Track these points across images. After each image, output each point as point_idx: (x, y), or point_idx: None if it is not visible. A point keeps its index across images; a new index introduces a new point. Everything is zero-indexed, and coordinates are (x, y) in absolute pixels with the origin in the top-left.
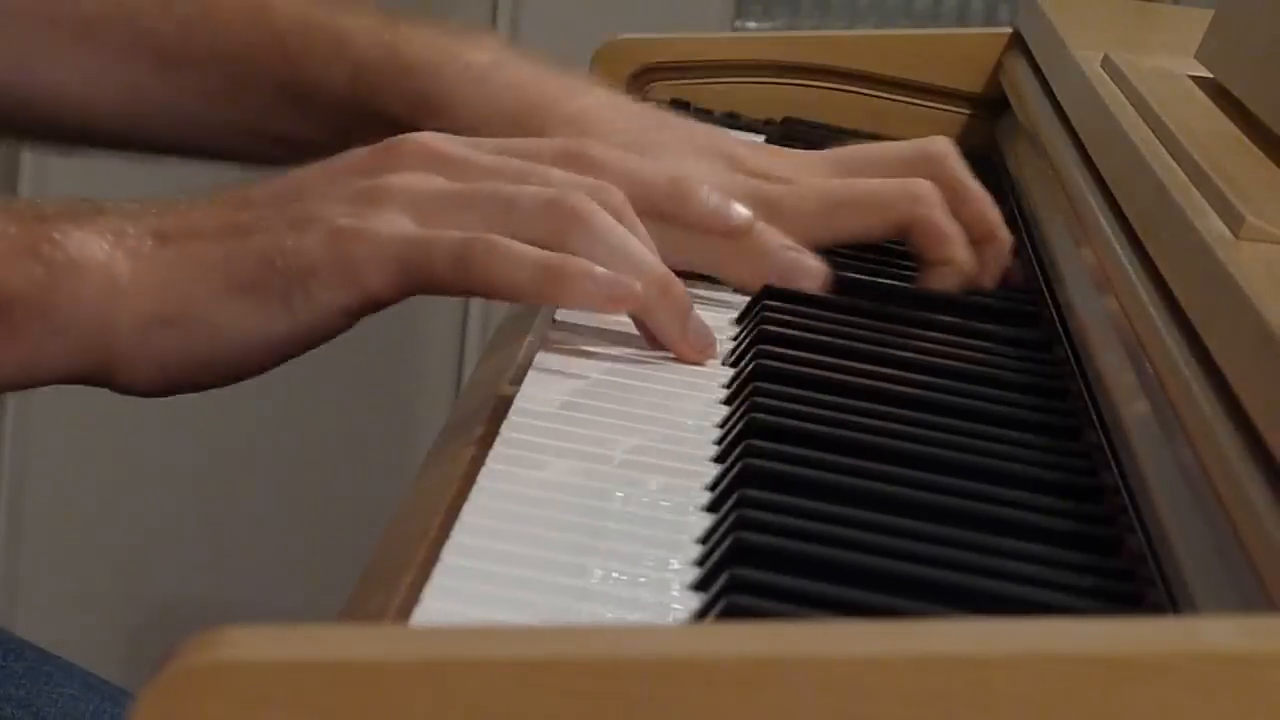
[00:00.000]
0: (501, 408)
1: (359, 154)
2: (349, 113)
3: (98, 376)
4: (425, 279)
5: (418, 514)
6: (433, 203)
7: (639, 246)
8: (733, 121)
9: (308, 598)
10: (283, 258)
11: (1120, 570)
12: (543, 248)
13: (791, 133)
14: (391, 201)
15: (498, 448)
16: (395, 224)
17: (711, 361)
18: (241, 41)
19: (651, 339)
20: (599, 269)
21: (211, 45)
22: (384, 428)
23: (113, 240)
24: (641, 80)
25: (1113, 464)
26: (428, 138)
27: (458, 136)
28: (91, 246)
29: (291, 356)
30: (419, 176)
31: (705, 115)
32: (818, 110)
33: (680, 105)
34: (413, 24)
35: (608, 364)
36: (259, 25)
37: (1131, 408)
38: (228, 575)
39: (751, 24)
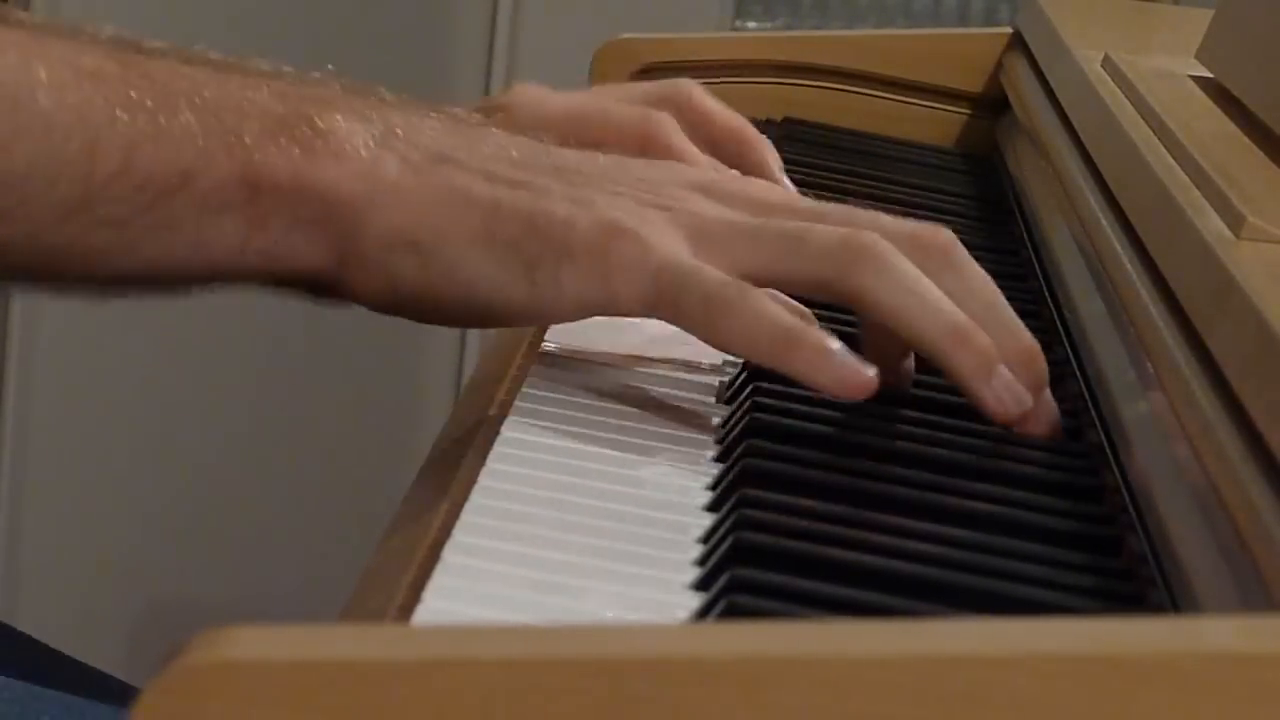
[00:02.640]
0: (502, 408)
1: (657, 161)
2: None
3: (329, 277)
4: (671, 309)
5: (418, 514)
6: (718, 230)
7: (936, 291)
8: None
9: (308, 598)
10: (549, 228)
11: (1120, 570)
12: (830, 285)
13: (791, 133)
14: (676, 216)
15: (498, 448)
16: (670, 241)
17: (711, 361)
18: None
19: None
20: (837, 346)
21: None
22: (384, 428)
23: (381, 139)
24: (641, 80)
25: (1113, 464)
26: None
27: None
28: (361, 140)
29: (513, 325)
30: (710, 203)
31: None
32: (818, 110)
33: None
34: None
35: (608, 364)
36: None
37: (1131, 408)
38: (228, 575)
39: (751, 24)
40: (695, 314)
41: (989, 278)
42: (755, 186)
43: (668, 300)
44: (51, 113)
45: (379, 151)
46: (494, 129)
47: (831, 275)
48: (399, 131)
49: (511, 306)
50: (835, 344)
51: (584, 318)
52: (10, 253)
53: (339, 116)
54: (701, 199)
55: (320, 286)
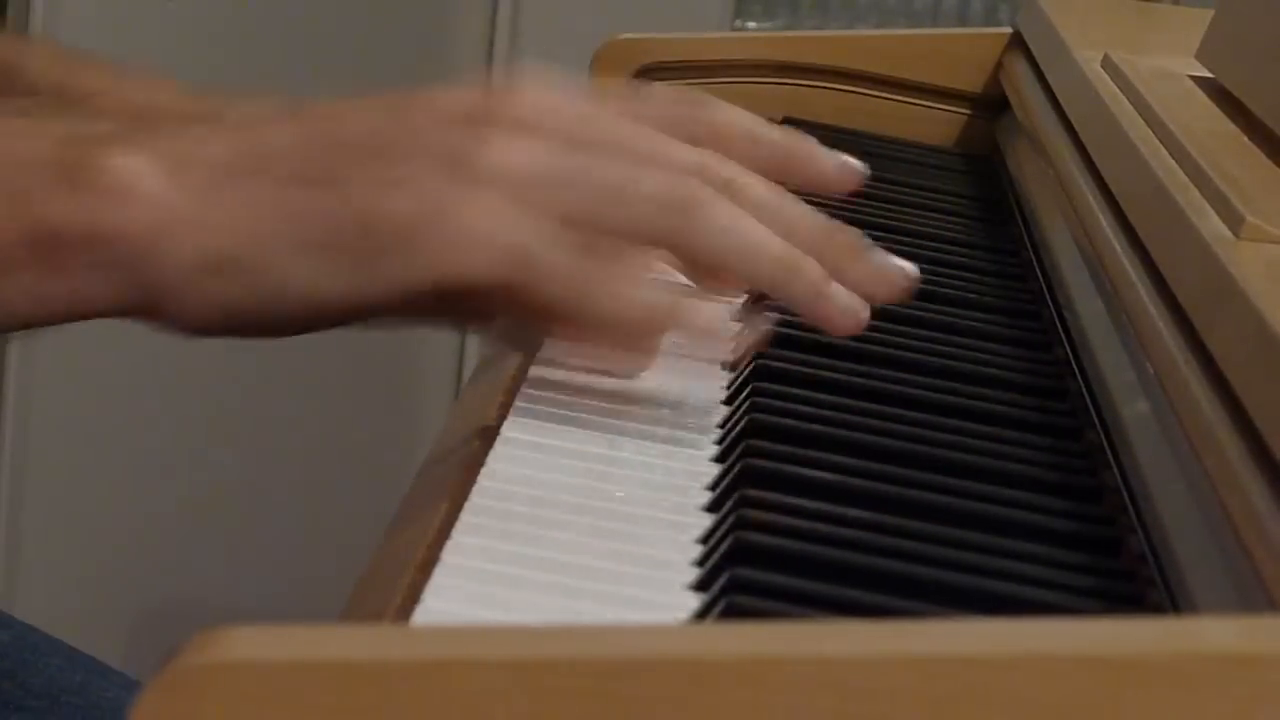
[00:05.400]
0: (503, 408)
1: (460, 100)
2: None
3: (144, 312)
4: (525, 297)
5: (417, 514)
6: (535, 185)
7: (761, 235)
8: None
9: (308, 598)
10: (370, 221)
11: (1120, 570)
12: (657, 239)
13: None
14: (485, 180)
15: (497, 448)
16: (496, 214)
17: (711, 361)
18: None
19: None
20: (704, 311)
21: None
22: (384, 428)
23: (170, 167)
24: (641, 80)
25: (1113, 464)
26: (540, 97)
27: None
28: (143, 173)
29: (359, 322)
30: (522, 149)
31: None
32: (818, 110)
33: None
34: None
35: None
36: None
37: (1131, 408)
38: (228, 575)
39: (751, 24)
40: (559, 300)
41: (795, 198)
42: (573, 104)
43: (521, 289)
44: None
45: (166, 180)
46: (279, 122)
47: (657, 231)
48: (184, 152)
49: (351, 306)
50: (701, 310)
51: (412, 310)
52: None
53: (120, 153)
54: (513, 149)
55: (135, 316)
